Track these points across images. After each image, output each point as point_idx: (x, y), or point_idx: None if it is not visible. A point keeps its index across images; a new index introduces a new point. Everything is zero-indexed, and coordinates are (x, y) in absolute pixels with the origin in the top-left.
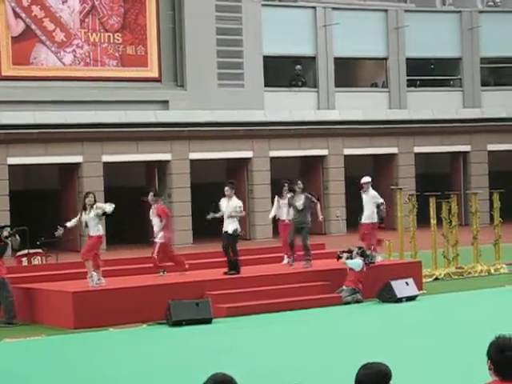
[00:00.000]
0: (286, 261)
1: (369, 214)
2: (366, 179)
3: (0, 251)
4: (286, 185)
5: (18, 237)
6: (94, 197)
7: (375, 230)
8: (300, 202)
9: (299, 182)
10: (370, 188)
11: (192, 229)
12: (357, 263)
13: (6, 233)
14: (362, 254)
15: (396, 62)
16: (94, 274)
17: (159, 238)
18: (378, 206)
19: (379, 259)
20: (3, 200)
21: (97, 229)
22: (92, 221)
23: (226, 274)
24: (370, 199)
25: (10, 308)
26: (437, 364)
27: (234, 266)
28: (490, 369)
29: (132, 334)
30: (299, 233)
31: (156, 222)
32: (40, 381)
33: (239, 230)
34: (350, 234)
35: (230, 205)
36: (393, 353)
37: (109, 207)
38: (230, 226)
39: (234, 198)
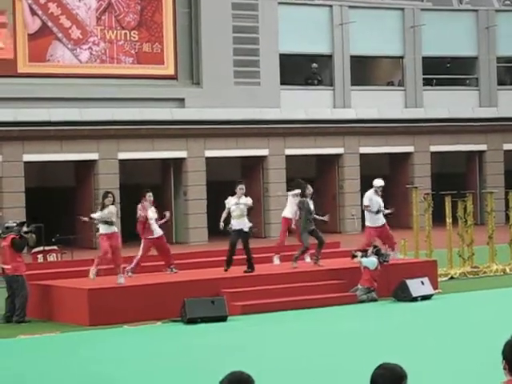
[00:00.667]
0: (276, 261)
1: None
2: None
3: (19, 246)
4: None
5: (33, 234)
6: (113, 197)
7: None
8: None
9: (309, 187)
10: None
11: (207, 226)
12: (371, 262)
13: (25, 228)
14: (377, 253)
15: (412, 60)
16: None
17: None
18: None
19: (399, 257)
20: (19, 197)
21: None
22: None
23: (226, 271)
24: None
25: (22, 306)
26: (452, 364)
27: (251, 264)
28: (504, 368)
29: (147, 331)
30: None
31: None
32: (53, 377)
33: (252, 226)
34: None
35: (241, 202)
36: (407, 352)
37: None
38: (242, 224)
39: (245, 197)
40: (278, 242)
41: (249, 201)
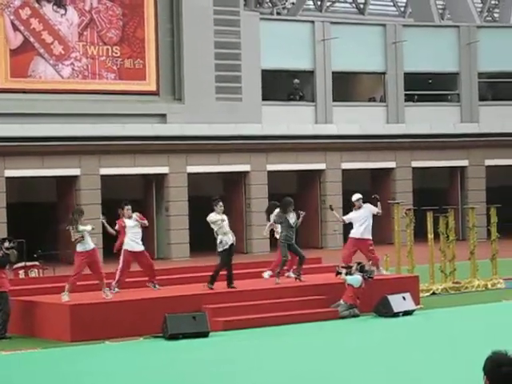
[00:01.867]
0: (266, 275)
1: (369, 229)
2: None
3: (2, 263)
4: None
5: (15, 250)
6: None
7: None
8: (293, 219)
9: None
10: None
11: (189, 242)
12: (356, 279)
13: (7, 244)
14: (362, 270)
15: (394, 76)
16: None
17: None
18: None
19: (385, 273)
20: (0, 212)
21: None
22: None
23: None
24: (369, 212)
25: (4, 323)
26: (433, 379)
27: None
28: None
29: (128, 347)
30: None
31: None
32: None
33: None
34: None
35: (226, 219)
36: (389, 368)
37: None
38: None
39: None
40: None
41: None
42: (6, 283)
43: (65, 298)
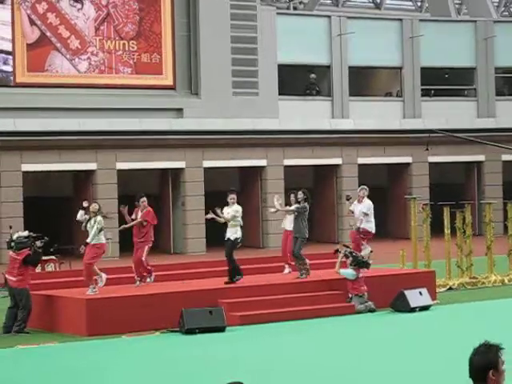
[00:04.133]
0: (286, 270)
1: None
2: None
3: (35, 262)
4: (292, 195)
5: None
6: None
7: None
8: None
9: (300, 193)
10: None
11: (205, 236)
12: (349, 273)
13: (39, 243)
14: (356, 262)
15: (410, 71)
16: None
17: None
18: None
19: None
20: (17, 206)
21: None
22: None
23: (227, 283)
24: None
25: (24, 319)
26: (450, 374)
27: (233, 274)
28: None
29: (145, 341)
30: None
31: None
32: None
33: (240, 238)
34: None
35: (230, 211)
36: (406, 363)
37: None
38: (229, 233)
39: (235, 205)
40: (283, 253)
41: (233, 211)
42: (28, 280)
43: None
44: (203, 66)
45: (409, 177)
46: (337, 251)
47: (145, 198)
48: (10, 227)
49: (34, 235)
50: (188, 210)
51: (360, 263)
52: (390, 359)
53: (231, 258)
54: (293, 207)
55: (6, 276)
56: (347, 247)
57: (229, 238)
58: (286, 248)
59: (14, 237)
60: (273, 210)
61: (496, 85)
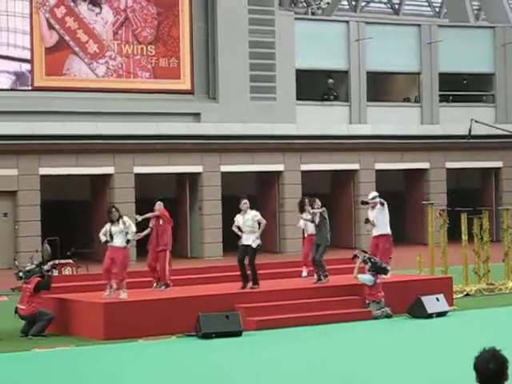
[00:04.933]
0: (304, 273)
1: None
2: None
3: (47, 286)
4: (307, 200)
5: (48, 247)
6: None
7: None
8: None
9: (317, 201)
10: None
11: (222, 241)
12: (368, 279)
13: (46, 267)
14: (374, 268)
15: (429, 76)
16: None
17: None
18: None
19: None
20: (35, 210)
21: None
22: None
23: (244, 288)
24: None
25: (45, 325)
26: (467, 381)
27: (256, 280)
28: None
29: (161, 345)
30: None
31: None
32: None
33: (260, 244)
34: None
35: (247, 218)
36: (422, 369)
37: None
38: (251, 240)
39: (251, 210)
40: (304, 257)
41: (256, 216)
42: (37, 306)
43: (123, 296)
44: (221, 71)
45: (426, 183)
46: (355, 256)
47: (160, 202)
48: (31, 258)
49: (38, 262)
50: (205, 214)
51: (378, 269)
52: (406, 365)
53: (253, 264)
54: (316, 211)
55: (18, 306)
56: (365, 253)
57: (250, 245)
58: (309, 252)
59: (26, 269)
60: (301, 225)
61: None
